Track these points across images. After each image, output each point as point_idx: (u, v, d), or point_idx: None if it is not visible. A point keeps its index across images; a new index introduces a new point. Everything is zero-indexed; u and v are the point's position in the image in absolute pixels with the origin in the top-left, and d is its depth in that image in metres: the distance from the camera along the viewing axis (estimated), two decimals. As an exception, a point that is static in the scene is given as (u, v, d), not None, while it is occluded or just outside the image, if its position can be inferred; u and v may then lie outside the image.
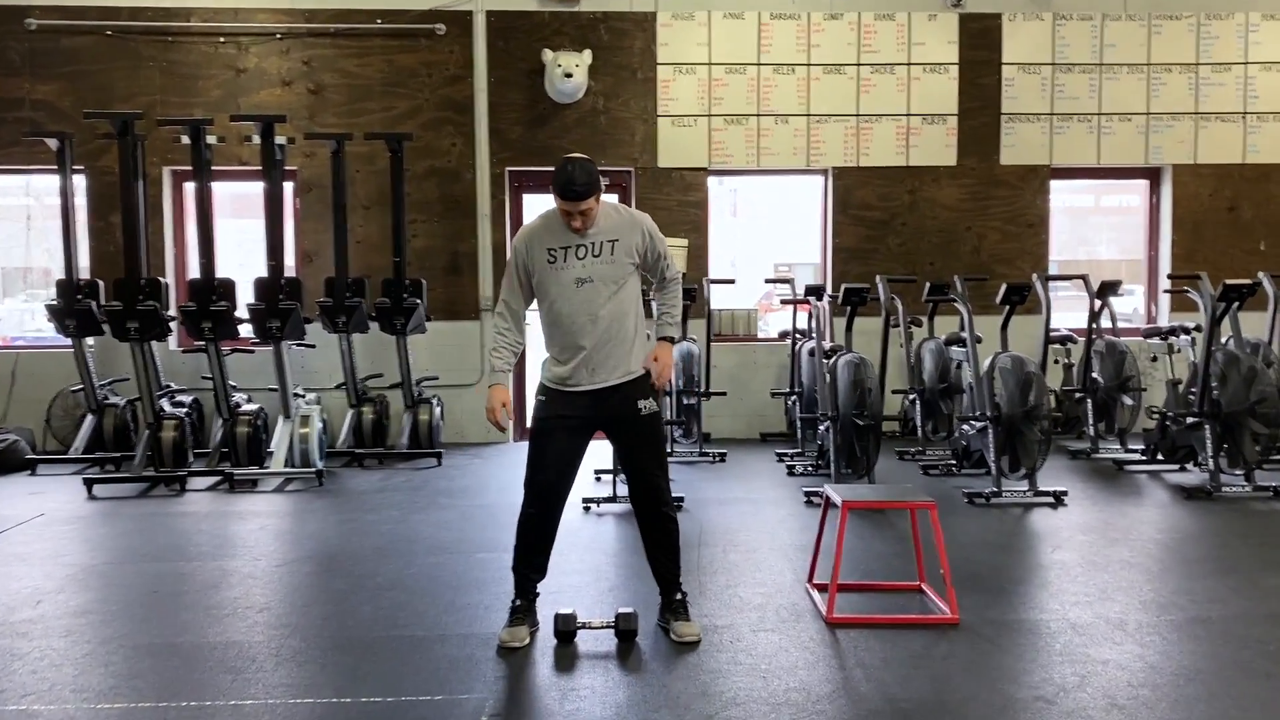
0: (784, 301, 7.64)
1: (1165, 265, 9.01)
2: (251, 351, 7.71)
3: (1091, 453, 7.72)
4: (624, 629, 3.97)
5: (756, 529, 5.71)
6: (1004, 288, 6.57)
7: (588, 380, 3.91)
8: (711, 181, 8.76)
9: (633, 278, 3.92)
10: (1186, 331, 7.39)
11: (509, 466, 7.76)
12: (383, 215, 8.41)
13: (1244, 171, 8.94)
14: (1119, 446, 7.78)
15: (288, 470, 7.05)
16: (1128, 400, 7.65)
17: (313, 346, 7.84)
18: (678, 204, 8.61)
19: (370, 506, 6.37)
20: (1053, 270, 8.96)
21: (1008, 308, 6.59)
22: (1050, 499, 6.27)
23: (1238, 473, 6.50)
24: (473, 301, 8.63)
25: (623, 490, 6.29)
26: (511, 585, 4.08)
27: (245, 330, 7.31)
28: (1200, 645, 3.92)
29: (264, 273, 7.17)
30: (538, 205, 8.89)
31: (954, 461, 7.12)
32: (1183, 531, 5.65)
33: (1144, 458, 7.38)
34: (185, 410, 7.64)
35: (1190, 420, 6.61)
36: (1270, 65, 8.87)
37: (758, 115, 8.63)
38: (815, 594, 4.44)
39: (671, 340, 4.07)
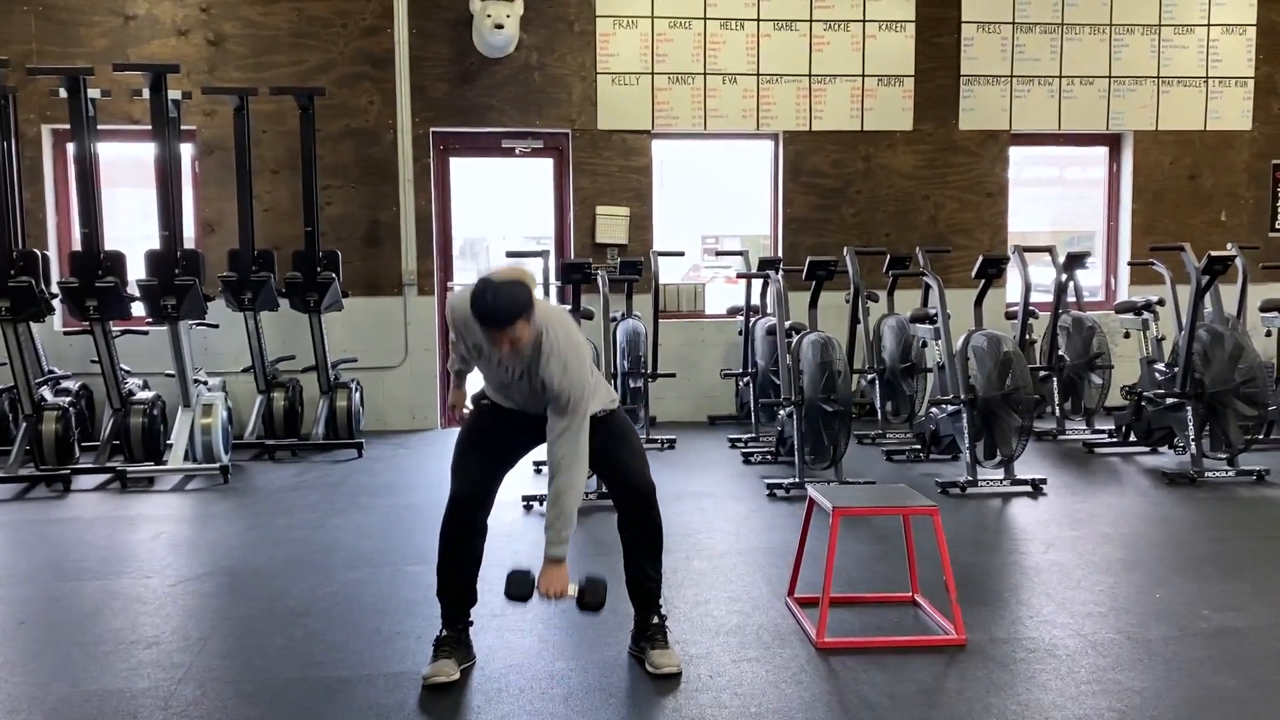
0: (740, 276, 7.07)
1: (1126, 236, 8.66)
2: (145, 333, 6.90)
3: (1057, 434, 7.32)
4: (589, 601, 3.28)
5: (720, 529, 5.15)
6: (980, 260, 6.08)
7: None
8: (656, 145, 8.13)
9: None
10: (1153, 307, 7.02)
11: (437, 457, 7.09)
12: (293, 180, 7.60)
13: (1205, 139, 8.60)
14: (1085, 427, 7.40)
15: (188, 466, 6.29)
16: (1096, 379, 7.26)
17: (215, 326, 7.06)
18: (619, 170, 7.97)
19: (282, 508, 5.66)
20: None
21: (983, 282, 6.10)
22: (1029, 488, 5.83)
23: (1220, 456, 6.13)
24: (395, 275, 7.89)
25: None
26: None
27: (138, 309, 6.50)
28: (1237, 666, 3.45)
29: (157, 245, 6.37)
30: (465, 169, 8.20)
31: (919, 446, 6.65)
32: (1176, 524, 5.24)
33: (1114, 439, 7.01)
34: (70, 399, 6.80)
35: (1170, 401, 6.22)
36: (1232, 28, 8.52)
37: (704, 74, 8.01)
38: (798, 611, 3.89)
39: (559, 560, 3.22)
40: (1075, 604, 4.04)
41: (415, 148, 7.82)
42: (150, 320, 6.51)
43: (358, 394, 7.44)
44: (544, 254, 6.54)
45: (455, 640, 3.39)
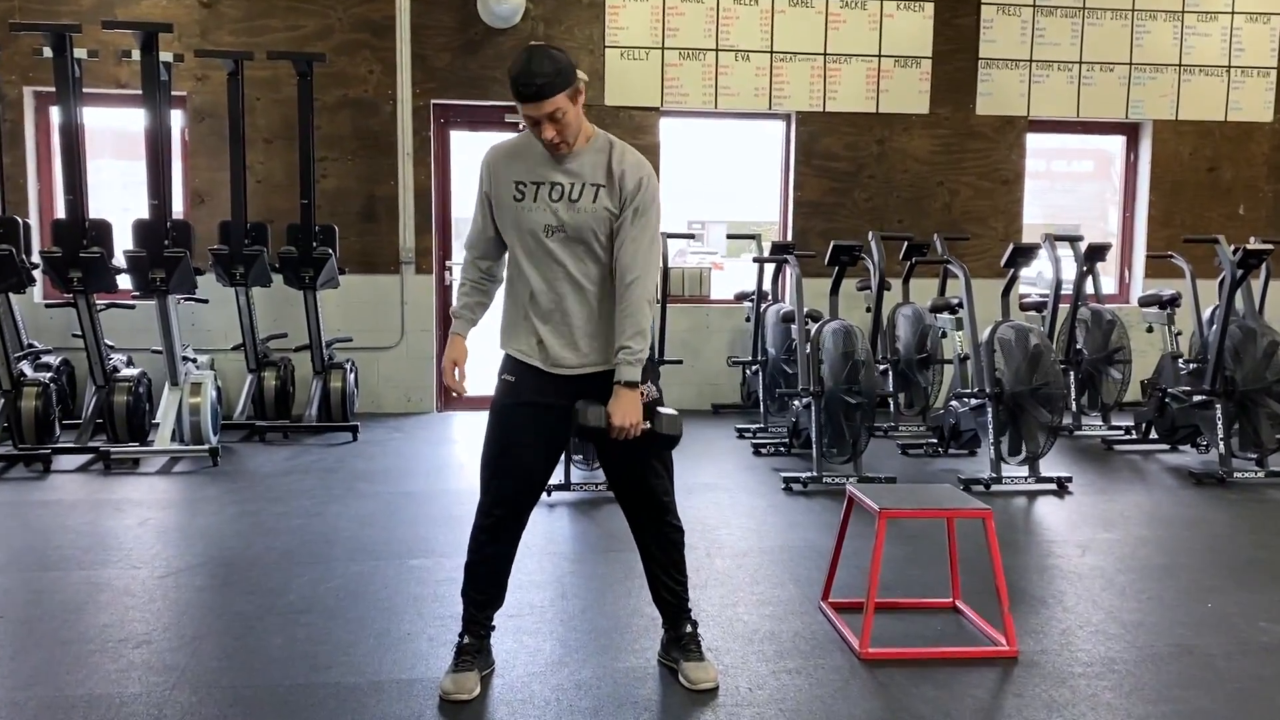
0: (756, 260, 6.80)
1: (1142, 228, 8.45)
2: (132, 307, 6.59)
3: (1074, 430, 7.12)
4: (664, 433, 2.94)
5: (738, 525, 4.90)
6: (1010, 248, 5.83)
7: (547, 365, 3.02)
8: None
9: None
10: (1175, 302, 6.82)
11: (434, 443, 6.84)
12: (287, 151, 7.30)
13: (1225, 130, 8.39)
14: (1102, 423, 7.20)
15: (176, 448, 6.00)
16: (1115, 374, 7.05)
17: (205, 301, 6.75)
18: (626, 147, 7.67)
19: (276, 494, 5.38)
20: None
21: (1011, 271, 5.87)
22: (1054, 486, 5.62)
23: (1250, 456, 5.93)
24: (392, 252, 7.59)
25: (578, 475, 5.45)
26: (457, 607, 3.23)
27: (124, 282, 6.19)
28: (1308, 685, 3.25)
29: (146, 215, 6.05)
30: (466, 143, 7.89)
31: (935, 440, 6.43)
32: (1212, 527, 5.03)
33: (1134, 436, 6.81)
34: (51, 375, 6.49)
35: (1199, 398, 6.01)
36: (1256, 16, 8.31)
37: (716, 50, 7.73)
38: (835, 617, 3.65)
39: (634, 385, 2.91)
40: (1124, 613, 3.82)
41: (415, 120, 7.51)
42: (137, 294, 6.19)
43: (352, 375, 7.15)
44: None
45: (477, 649, 3.13)
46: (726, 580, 4.12)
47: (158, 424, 6.18)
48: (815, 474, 5.54)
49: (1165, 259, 7.24)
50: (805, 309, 6.01)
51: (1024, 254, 5.70)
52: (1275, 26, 8.31)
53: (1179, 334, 6.88)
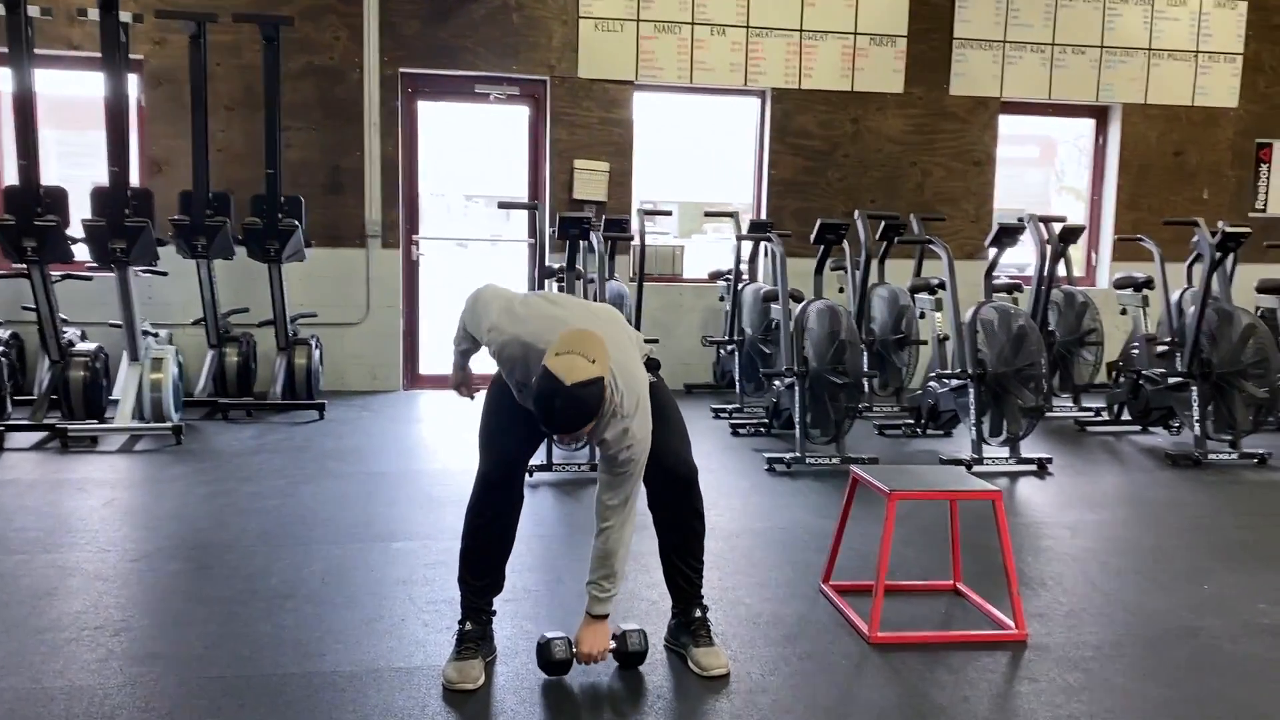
0: (740, 238, 6.70)
1: (1110, 210, 8.50)
2: (89, 279, 6.32)
3: (1046, 411, 7.12)
4: (631, 650, 3.01)
5: (725, 506, 4.82)
6: (996, 228, 5.80)
7: None
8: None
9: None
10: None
11: (403, 421, 6.67)
12: (248, 120, 7.06)
13: (1191, 115, 8.46)
14: (1073, 404, 7.23)
15: (137, 425, 5.77)
16: (1087, 356, 7.08)
17: (164, 274, 6.50)
18: (599, 121, 7.54)
19: (245, 473, 5.19)
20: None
21: (995, 251, 5.84)
22: (1034, 467, 5.62)
23: (1224, 438, 5.98)
24: (357, 225, 7.39)
25: (560, 455, 5.32)
26: (449, 592, 3.19)
27: (81, 253, 5.93)
28: (1314, 667, 3.24)
29: (104, 181, 5.79)
30: (435, 113, 7.71)
31: (912, 421, 6.40)
32: (1195, 509, 5.05)
33: (1106, 417, 6.85)
34: (1, 349, 6.20)
35: (1174, 380, 6.04)
36: (1224, 2, 8.37)
37: (692, 24, 7.60)
38: (839, 600, 3.58)
39: (603, 618, 2.94)
40: (1124, 595, 3.80)
41: (383, 89, 7.30)
42: (95, 265, 5.94)
43: (318, 352, 6.95)
44: (535, 207, 6.10)
45: (480, 635, 3.01)
46: (721, 563, 4.03)
47: (116, 401, 5.95)
48: (799, 455, 5.47)
49: (1134, 241, 7.29)
50: (766, 289, 5.94)
51: (1009, 234, 5.67)
52: (1242, 13, 8.38)
53: (1130, 314, 6.94)
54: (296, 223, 6.59)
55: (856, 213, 6.17)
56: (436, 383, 7.74)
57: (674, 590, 3.13)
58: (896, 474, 3.54)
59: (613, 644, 3.00)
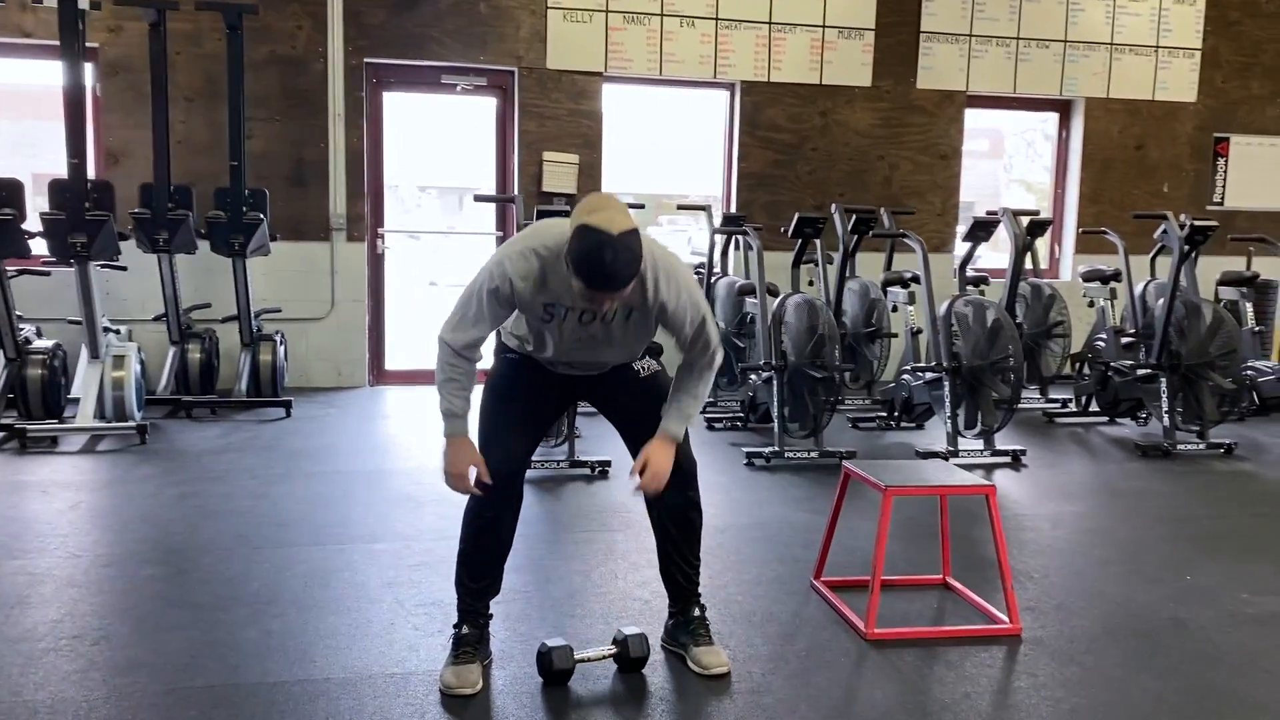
0: (717, 231, 6.66)
1: (1073, 204, 8.59)
2: (47, 274, 6.14)
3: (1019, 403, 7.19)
4: (633, 655, 2.97)
5: (708, 502, 4.59)
6: (971, 221, 5.82)
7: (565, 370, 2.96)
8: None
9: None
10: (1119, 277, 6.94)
11: (372, 419, 6.57)
12: (209, 110, 6.90)
13: (1152, 109, 8.56)
14: (1039, 395, 7.30)
15: (99, 425, 5.61)
16: (1054, 347, 7.15)
17: (123, 269, 6.31)
18: (568, 113, 7.46)
19: (215, 473, 5.06)
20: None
21: (969, 245, 5.86)
22: (1009, 459, 5.66)
23: (1192, 429, 6.06)
24: (321, 219, 7.25)
25: (539, 453, 5.24)
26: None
27: (37, 246, 5.74)
28: (1301, 656, 3.28)
29: (48, 172, 5.61)
30: (401, 104, 7.59)
31: (885, 414, 6.42)
32: (1168, 499, 5.11)
33: (1074, 409, 6.92)
34: (-46, 346, 6.00)
35: (1143, 372, 6.11)
36: (1183, -2, 8.48)
37: (661, 15, 7.54)
38: (832, 597, 3.57)
39: (674, 439, 2.86)
40: (1110, 587, 3.83)
41: (347, 79, 7.16)
42: (53, 260, 5.76)
43: (282, 348, 6.81)
44: (513, 200, 6.01)
45: (477, 639, 2.95)
46: (710, 559, 3.96)
47: (75, 400, 5.78)
48: (777, 449, 5.46)
49: (1098, 234, 7.37)
50: (745, 282, 5.92)
51: (984, 228, 5.69)
52: (1201, 9, 8.50)
53: (1100, 307, 7.04)
54: (262, 215, 6.45)
55: (833, 206, 6.16)
56: (404, 378, 7.63)
57: (672, 588, 3.09)
58: (888, 469, 3.52)
59: (614, 649, 2.96)
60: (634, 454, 2.94)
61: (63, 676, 2.89)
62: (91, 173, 6.57)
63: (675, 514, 3.01)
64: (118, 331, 6.21)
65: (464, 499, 2.92)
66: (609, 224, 2.45)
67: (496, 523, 2.91)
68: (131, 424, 5.61)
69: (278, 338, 6.76)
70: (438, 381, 2.78)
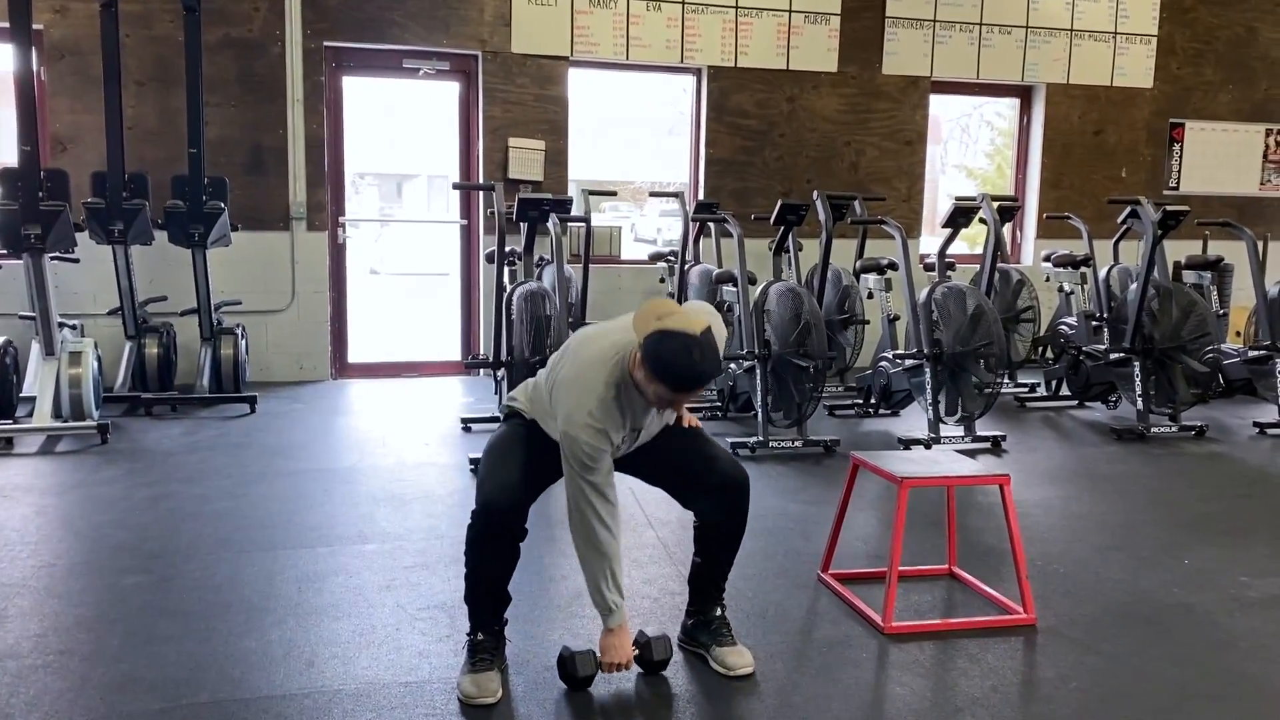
0: (694, 218, 6.57)
1: (1034, 189, 8.65)
2: (-2, 267, 5.87)
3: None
4: (657, 658, 2.89)
5: (700, 494, 4.70)
6: (951, 207, 5.80)
7: None
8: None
9: None
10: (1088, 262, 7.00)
11: (339, 413, 6.39)
12: (161, 95, 6.65)
13: (1110, 95, 8.65)
14: (1009, 380, 7.34)
15: (57, 425, 5.37)
16: (1024, 332, 7.19)
17: (76, 261, 6.06)
18: (534, 99, 7.31)
19: (186, 474, 4.87)
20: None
21: (950, 231, 5.85)
22: (989, 445, 5.68)
23: (1164, 412, 6.13)
24: (281, 207, 7.03)
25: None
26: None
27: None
28: (1310, 639, 3.31)
29: (13, 161, 5.35)
30: (361, 88, 7.39)
31: (862, 401, 6.40)
32: (1151, 482, 5.15)
33: (1045, 394, 6.98)
34: (-103, 344, 5.71)
35: (1116, 356, 6.16)
36: (1140, -17, 8.57)
37: (627, -1, 7.43)
38: (842, 590, 3.51)
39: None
40: (1113, 572, 3.83)
41: (306, 63, 6.94)
42: (2, 252, 5.50)
43: (244, 341, 6.60)
44: (491, 187, 5.86)
45: (494, 645, 2.84)
46: (712, 554, 3.92)
47: (28, 399, 5.54)
48: (762, 439, 5.40)
49: (1061, 219, 7.43)
50: (721, 270, 5.85)
51: (964, 214, 5.68)
52: (1157, -5, 8.60)
53: (1071, 293, 7.09)
54: (222, 205, 6.23)
55: (815, 194, 6.09)
56: (366, 371, 7.46)
57: (698, 590, 3.02)
58: (899, 460, 3.47)
59: (636, 651, 2.86)
60: (677, 484, 2.97)
61: (56, 695, 2.72)
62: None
63: (733, 527, 2.96)
64: (73, 327, 5.95)
65: (450, 504, 2.83)
66: (688, 325, 2.47)
67: (501, 553, 2.76)
68: (91, 423, 5.38)
69: (239, 331, 6.55)
70: (596, 558, 2.71)
